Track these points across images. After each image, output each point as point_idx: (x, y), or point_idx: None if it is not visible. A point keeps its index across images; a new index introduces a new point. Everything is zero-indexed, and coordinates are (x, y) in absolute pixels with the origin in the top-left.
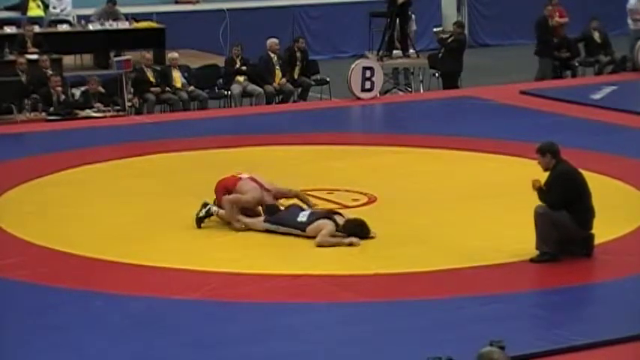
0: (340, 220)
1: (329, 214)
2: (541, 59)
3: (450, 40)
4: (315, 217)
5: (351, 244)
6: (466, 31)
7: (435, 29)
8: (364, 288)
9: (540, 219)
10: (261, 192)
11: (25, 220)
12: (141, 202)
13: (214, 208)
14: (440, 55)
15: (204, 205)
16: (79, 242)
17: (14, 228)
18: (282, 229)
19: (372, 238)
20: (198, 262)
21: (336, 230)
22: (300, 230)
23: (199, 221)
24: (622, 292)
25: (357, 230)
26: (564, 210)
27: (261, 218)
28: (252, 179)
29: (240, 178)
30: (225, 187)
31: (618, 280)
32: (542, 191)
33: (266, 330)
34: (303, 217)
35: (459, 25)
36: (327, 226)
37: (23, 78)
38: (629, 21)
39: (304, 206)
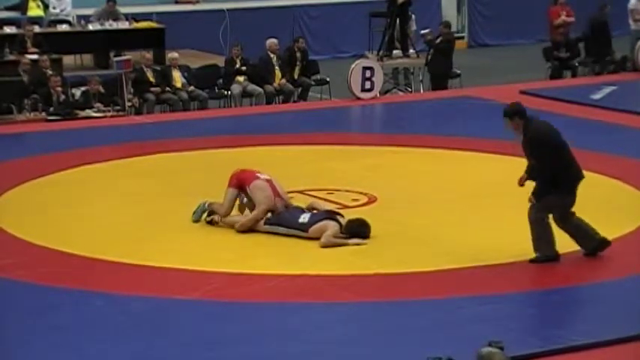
0: (342, 221)
1: (331, 215)
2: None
3: (438, 41)
4: (317, 218)
5: (357, 245)
6: (466, 31)
7: (422, 31)
8: (364, 288)
9: (535, 225)
10: (273, 201)
11: (25, 220)
12: (141, 202)
13: (217, 217)
14: (429, 56)
15: (209, 213)
16: (79, 242)
17: (14, 228)
18: (281, 229)
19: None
20: (198, 262)
21: (332, 218)
22: (301, 231)
23: (209, 222)
24: (622, 292)
25: (360, 230)
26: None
27: (262, 220)
28: (269, 183)
29: (258, 177)
30: (241, 181)
31: (618, 280)
32: (532, 172)
33: (266, 330)
34: (304, 218)
35: (445, 25)
36: (331, 227)
37: (25, 78)
38: (630, 21)
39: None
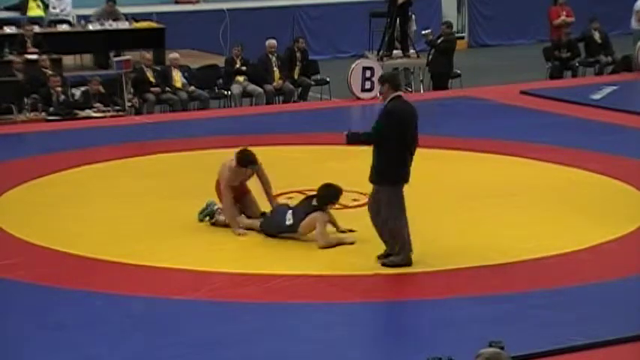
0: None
1: (310, 206)
2: None
3: (439, 42)
4: (299, 215)
5: (352, 243)
6: (466, 31)
7: (423, 32)
8: (364, 288)
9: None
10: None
11: (25, 220)
12: (141, 202)
13: (221, 218)
14: (429, 56)
15: (212, 212)
16: (79, 242)
17: (14, 228)
18: (273, 232)
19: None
20: (198, 262)
21: (314, 206)
22: (292, 232)
23: (212, 224)
24: (622, 292)
25: (332, 197)
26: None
27: (257, 222)
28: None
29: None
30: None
31: (618, 280)
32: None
33: (266, 330)
34: (289, 220)
35: (447, 25)
36: (319, 219)
37: (20, 77)
38: (633, 21)
39: (290, 203)
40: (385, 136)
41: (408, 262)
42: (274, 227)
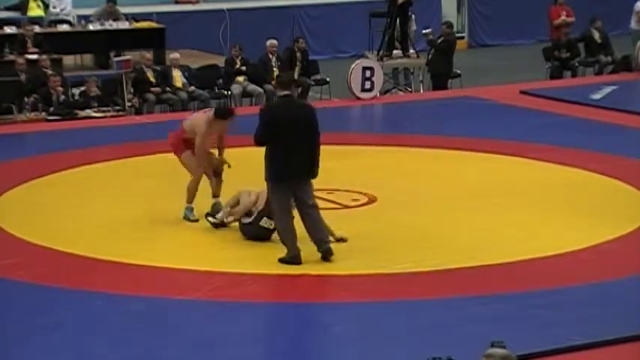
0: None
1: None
2: None
3: (439, 41)
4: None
5: (341, 240)
6: (466, 31)
7: (424, 31)
8: (365, 288)
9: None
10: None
11: (25, 220)
12: (141, 202)
13: (230, 218)
14: (429, 56)
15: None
16: (79, 242)
17: (14, 228)
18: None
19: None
20: (198, 262)
21: None
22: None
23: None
24: (622, 292)
25: None
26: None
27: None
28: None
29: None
30: (177, 136)
31: (618, 280)
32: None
33: (266, 330)
34: (270, 225)
35: (448, 25)
36: None
37: (22, 77)
38: (632, 22)
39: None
40: (259, 133)
41: (294, 261)
42: (254, 234)
